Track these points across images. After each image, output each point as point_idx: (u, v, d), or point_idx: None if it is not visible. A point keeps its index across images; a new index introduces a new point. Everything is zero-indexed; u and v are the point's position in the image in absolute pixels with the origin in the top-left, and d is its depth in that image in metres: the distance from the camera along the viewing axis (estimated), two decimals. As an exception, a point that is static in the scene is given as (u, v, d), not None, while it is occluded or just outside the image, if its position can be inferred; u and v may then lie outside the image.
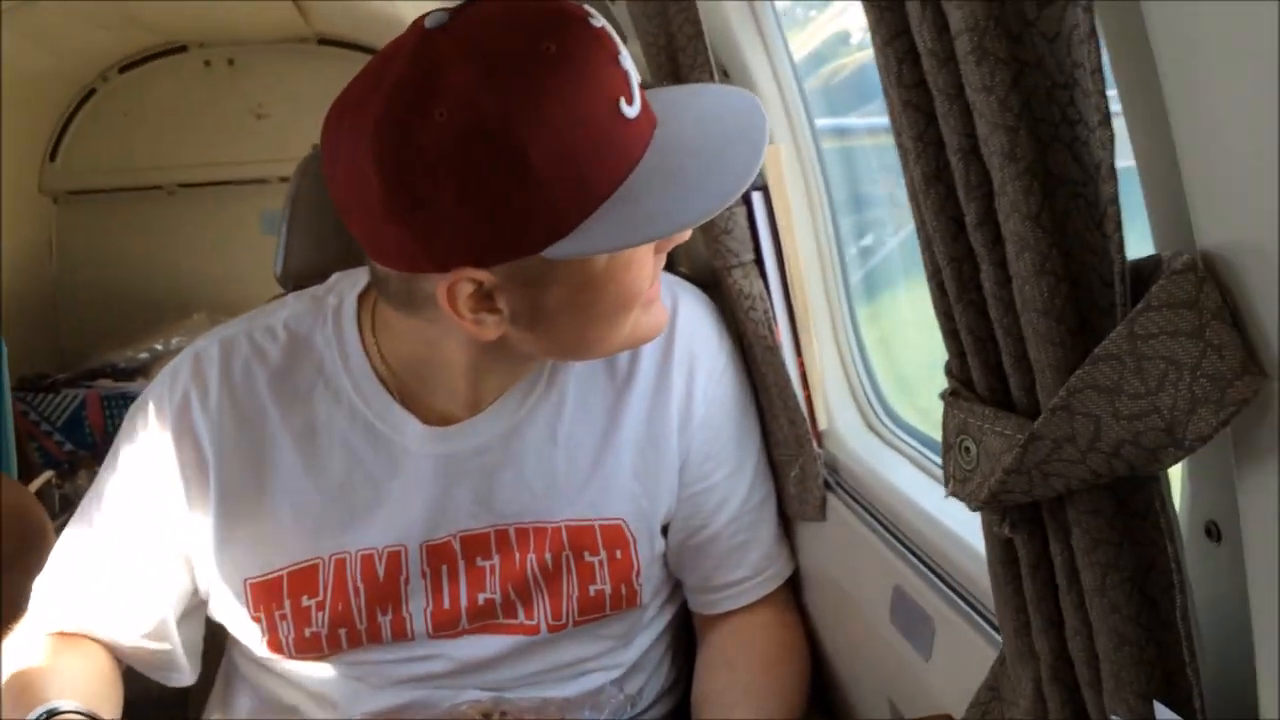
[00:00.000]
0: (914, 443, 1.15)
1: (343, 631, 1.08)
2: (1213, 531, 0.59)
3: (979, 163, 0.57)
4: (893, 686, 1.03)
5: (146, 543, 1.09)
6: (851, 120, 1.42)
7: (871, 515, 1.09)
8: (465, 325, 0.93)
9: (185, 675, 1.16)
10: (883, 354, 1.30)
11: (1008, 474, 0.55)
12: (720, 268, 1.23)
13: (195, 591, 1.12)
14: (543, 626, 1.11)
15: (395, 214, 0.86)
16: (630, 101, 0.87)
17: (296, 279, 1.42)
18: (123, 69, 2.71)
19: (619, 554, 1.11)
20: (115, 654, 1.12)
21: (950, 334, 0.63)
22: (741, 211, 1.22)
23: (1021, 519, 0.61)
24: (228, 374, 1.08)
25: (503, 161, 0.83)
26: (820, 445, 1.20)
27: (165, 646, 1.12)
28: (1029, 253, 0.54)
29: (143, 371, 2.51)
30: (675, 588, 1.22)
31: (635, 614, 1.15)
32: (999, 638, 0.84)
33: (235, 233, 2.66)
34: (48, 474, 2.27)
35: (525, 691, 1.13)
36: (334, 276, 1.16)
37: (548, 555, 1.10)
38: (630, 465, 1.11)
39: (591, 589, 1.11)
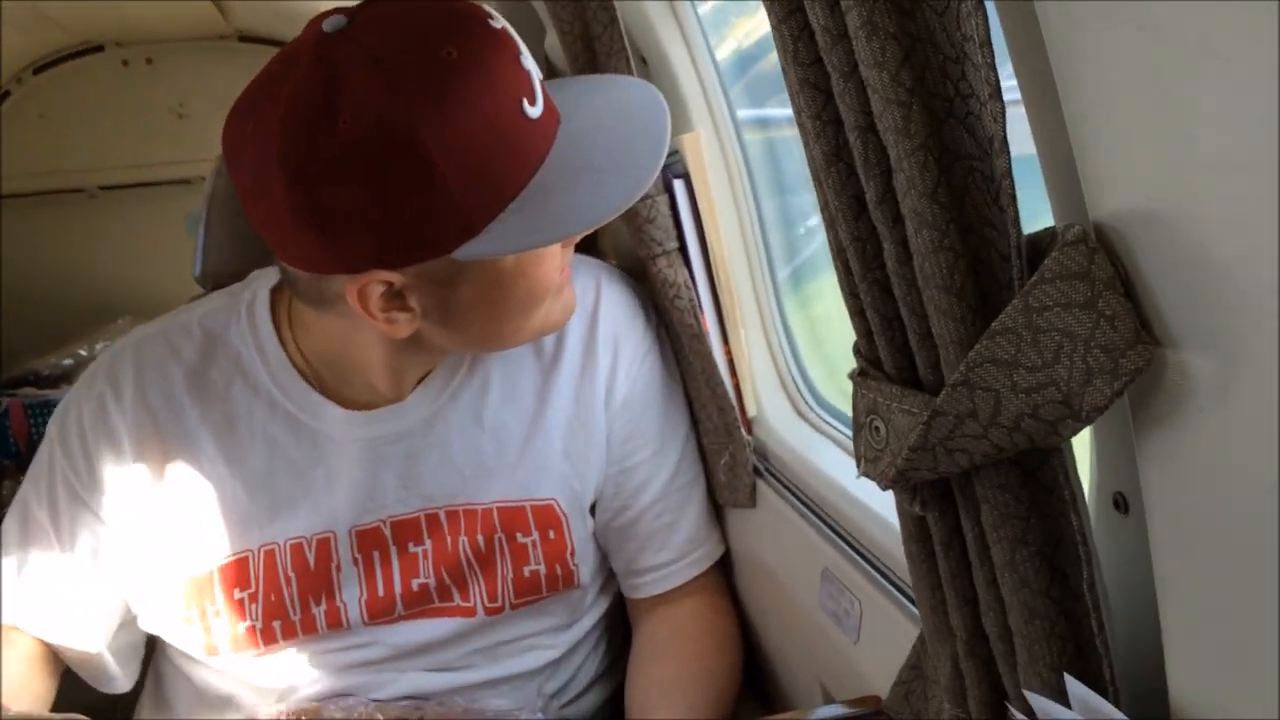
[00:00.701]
0: (842, 427, 1.15)
1: (277, 624, 1.08)
2: (1120, 503, 0.59)
3: (877, 140, 0.57)
4: (824, 669, 1.03)
5: (72, 549, 1.09)
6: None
7: (800, 500, 1.09)
8: (377, 324, 0.93)
9: (118, 682, 1.15)
10: (830, 328, 1.30)
11: (913, 451, 0.55)
12: (645, 257, 1.22)
13: (125, 599, 1.12)
14: (479, 609, 1.11)
15: (302, 220, 0.85)
16: (533, 101, 0.88)
17: (215, 280, 1.39)
18: (37, 70, 2.64)
19: (552, 534, 1.12)
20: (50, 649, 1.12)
21: (857, 313, 0.63)
22: (664, 200, 1.22)
23: (932, 496, 0.61)
24: (141, 373, 1.08)
25: (408, 167, 0.83)
26: (749, 433, 1.19)
27: (93, 650, 1.12)
28: (927, 229, 0.54)
29: (66, 378, 2.45)
30: (612, 575, 1.21)
31: (576, 595, 1.15)
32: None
33: (160, 235, 2.59)
34: (-31, 485, 2.22)
35: (463, 674, 1.13)
36: (253, 274, 1.15)
37: (479, 537, 1.10)
38: (560, 445, 1.12)
39: (526, 570, 1.11)
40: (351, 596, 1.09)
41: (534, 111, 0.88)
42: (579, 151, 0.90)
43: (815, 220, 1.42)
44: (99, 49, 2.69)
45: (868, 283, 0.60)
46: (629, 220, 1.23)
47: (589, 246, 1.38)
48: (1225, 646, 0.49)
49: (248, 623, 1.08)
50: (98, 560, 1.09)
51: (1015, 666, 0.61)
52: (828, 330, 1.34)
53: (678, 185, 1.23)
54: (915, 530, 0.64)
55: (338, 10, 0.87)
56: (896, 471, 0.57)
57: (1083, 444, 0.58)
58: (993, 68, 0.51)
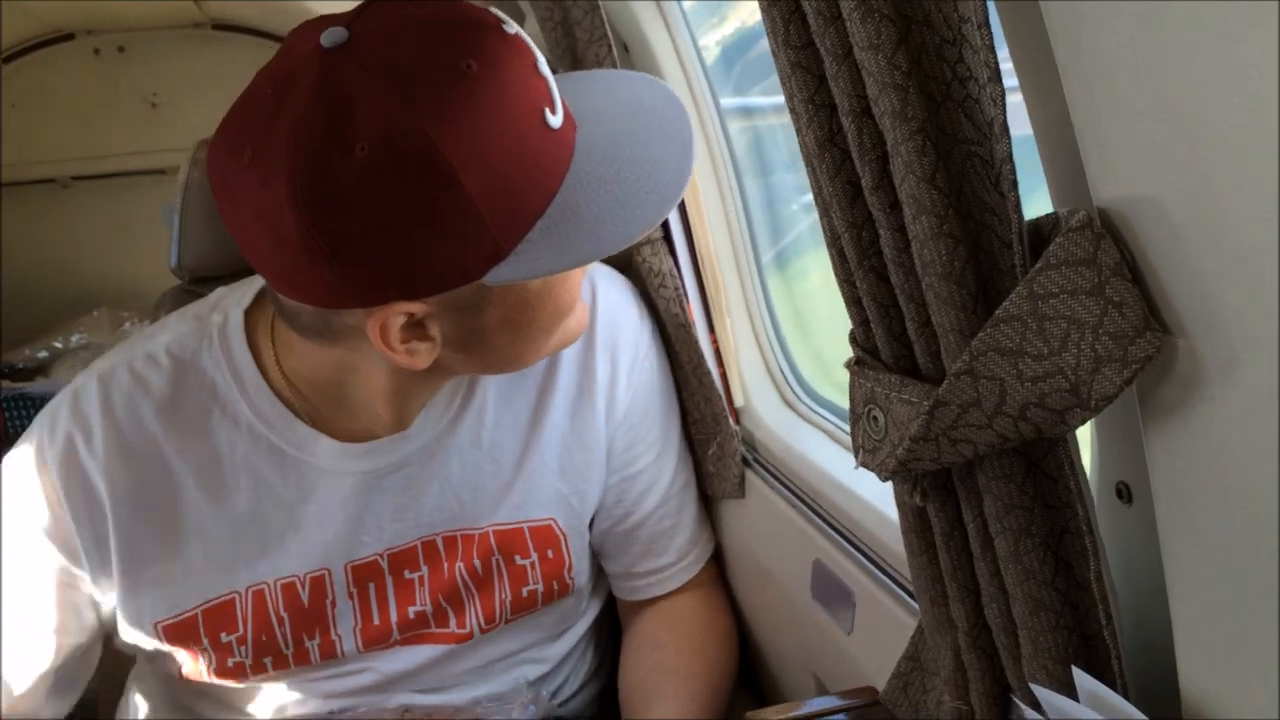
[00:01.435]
0: (831, 417, 1.14)
1: (268, 659, 1.04)
2: (1124, 493, 0.58)
3: (872, 124, 0.55)
4: (817, 661, 1.02)
5: (34, 599, 1.01)
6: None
7: (790, 490, 1.08)
8: (397, 357, 0.86)
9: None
10: (815, 314, 1.28)
11: (915, 442, 0.54)
12: (630, 246, 1.21)
13: (82, 649, 1.05)
14: (475, 631, 1.08)
15: (318, 256, 0.78)
16: (554, 111, 0.82)
17: (192, 271, 1.37)
18: (7, 59, 2.59)
19: (550, 553, 1.08)
20: None
21: (853, 301, 0.61)
22: (648, 187, 1.20)
23: (933, 487, 0.60)
24: (109, 410, 0.99)
25: (433, 192, 0.76)
26: (737, 422, 1.18)
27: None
28: (925, 215, 0.53)
29: (41, 370, 2.42)
30: (602, 575, 1.20)
31: (569, 602, 1.13)
32: (918, 607, 0.83)
33: (135, 225, 2.56)
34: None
35: (454, 693, 1.10)
36: (216, 292, 1.07)
37: (476, 561, 1.06)
38: (556, 463, 1.07)
39: (524, 590, 1.08)
40: (346, 629, 1.04)
41: (555, 121, 0.82)
42: (600, 162, 0.84)
43: (808, 197, 1.40)
44: (70, 37, 2.65)
45: (864, 270, 0.59)
46: (613, 208, 1.21)
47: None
48: (1237, 637, 0.48)
49: (236, 659, 1.03)
50: (69, 611, 1.02)
51: (1019, 658, 0.60)
52: (813, 315, 1.33)
53: (662, 172, 1.21)
54: (915, 521, 0.63)
55: (328, 19, 0.80)
56: (897, 462, 0.56)
57: (1082, 433, 0.57)
58: (991, 50, 0.50)
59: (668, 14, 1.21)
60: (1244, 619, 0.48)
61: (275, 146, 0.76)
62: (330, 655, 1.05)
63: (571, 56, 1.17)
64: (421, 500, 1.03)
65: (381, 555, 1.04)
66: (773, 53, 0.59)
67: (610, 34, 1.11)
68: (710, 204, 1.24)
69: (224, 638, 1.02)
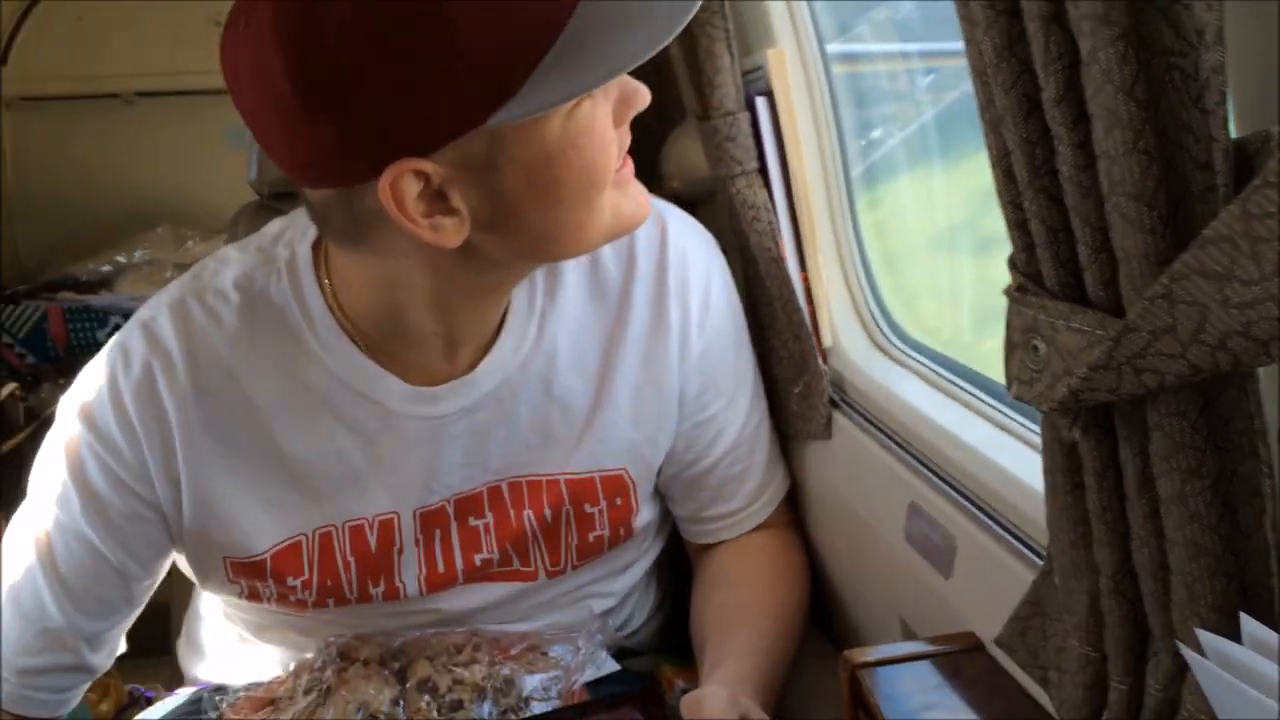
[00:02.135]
0: (923, 359, 1.11)
1: (330, 600, 1.03)
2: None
3: (1061, 31, 0.52)
4: (906, 606, 1.00)
5: (122, 550, 1.00)
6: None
7: (883, 432, 1.05)
8: (421, 232, 0.82)
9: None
10: (887, 270, 1.25)
11: (1094, 370, 0.51)
12: (723, 176, 1.17)
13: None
14: (541, 574, 1.07)
15: (313, 113, 0.76)
16: None
17: (272, 185, 1.36)
18: (78, -25, 2.58)
19: (619, 501, 1.07)
20: None
21: (1018, 225, 0.58)
22: (745, 117, 1.17)
23: (1092, 422, 0.57)
24: (189, 339, 0.96)
25: (424, 26, 0.73)
26: (825, 362, 1.16)
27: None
28: (1120, 129, 0.50)
29: (105, 284, 2.43)
30: (666, 514, 1.18)
31: (633, 543, 1.12)
32: (1028, 553, 0.81)
33: (199, 144, 2.54)
34: (11, 386, 2.21)
35: (521, 625, 1.10)
36: (274, 223, 1.04)
37: (547, 511, 1.05)
38: (629, 412, 1.05)
39: (591, 535, 1.07)
40: (410, 576, 1.04)
41: None
42: None
43: (878, 133, 1.36)
44: (140, -46, 2.62)
45: (1034, 190, 0.56)
46: (708, 137, 1.18)
47: (649, 171, 1.33)
48: None
49: (298, 597, 1.02)
50: (146, 559, 1.02)
51: (1167, 606, 0.57)
52: (898, 246, 1.29)
53: (760, 103, 1.18)
54: (1063, 460, 0.60)
55: None
56: (1068, 391, 0.53)
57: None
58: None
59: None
60: None
61: (262, 4, 0.75)
62: (394, 597, 1.04)
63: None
64: (491, 446, 1.02)
65: (449, 501, 1.03)
66: (954, -47, 0.56)
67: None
68: (806, 138, 1.20)
69: (290, 580, 1.01)
